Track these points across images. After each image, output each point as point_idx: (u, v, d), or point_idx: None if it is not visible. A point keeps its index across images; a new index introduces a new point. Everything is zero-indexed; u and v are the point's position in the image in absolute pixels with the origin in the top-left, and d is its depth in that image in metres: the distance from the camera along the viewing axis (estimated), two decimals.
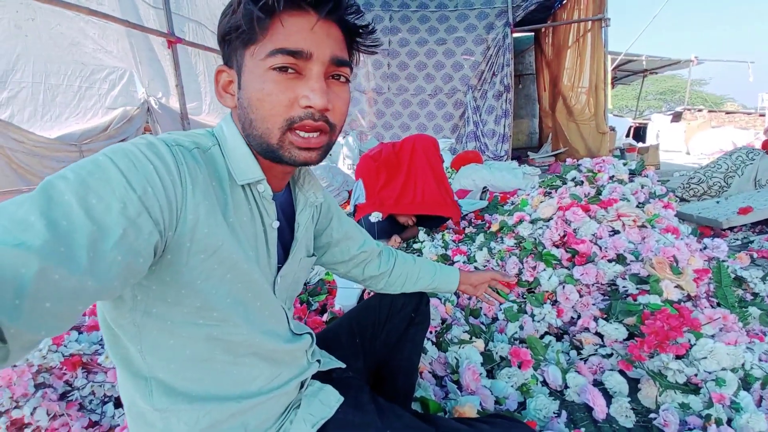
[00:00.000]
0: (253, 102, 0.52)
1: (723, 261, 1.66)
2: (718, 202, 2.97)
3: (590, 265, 1.53)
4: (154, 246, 0.44)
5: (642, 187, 2.20)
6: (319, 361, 0.75)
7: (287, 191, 0.69)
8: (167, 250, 0.47)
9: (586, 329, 1.38)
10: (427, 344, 1.30)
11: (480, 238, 2.19)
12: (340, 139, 4.83)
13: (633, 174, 2.35)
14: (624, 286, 1.46)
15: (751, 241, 2.37)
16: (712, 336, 1.22)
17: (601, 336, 1.34)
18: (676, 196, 3.43)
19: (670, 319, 1.19)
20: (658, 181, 2.37)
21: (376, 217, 2.39)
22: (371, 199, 2.65)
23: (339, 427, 0.67)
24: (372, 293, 1.61)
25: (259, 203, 0.59)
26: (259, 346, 0.60)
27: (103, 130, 3.55)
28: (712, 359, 1.08)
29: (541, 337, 1.41)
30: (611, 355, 1.29)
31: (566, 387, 1.18)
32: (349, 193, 3.87)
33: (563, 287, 1.49)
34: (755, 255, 2.08)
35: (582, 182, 2.19)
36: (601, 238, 1.66)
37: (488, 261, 1.90)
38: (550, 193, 2.20)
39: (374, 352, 0.95)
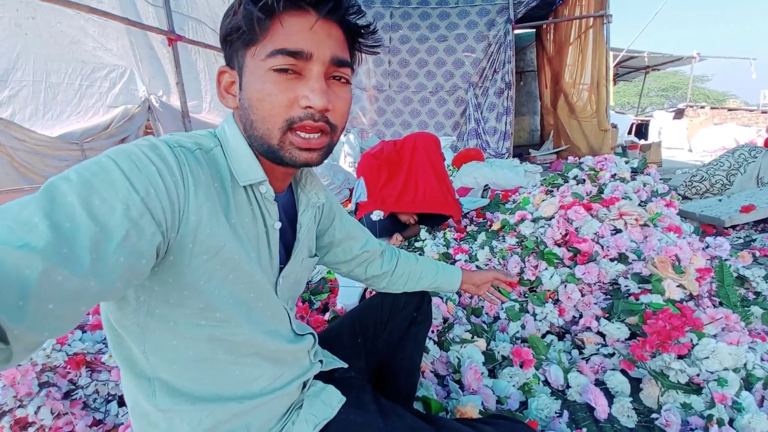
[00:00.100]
0: (254, 102, 0.52)
1: (725, 260, 1.65)
2: (720, 200, 2.96)
3: (592, 264, 1.53)
4: (157, 247, 0.44)
5: (644, 186, 2.19)
6: (321, 361, 0.75)
7: (289, 191, 0.69)
8: (170, 252, 0.47)
9: (588, 328, 1.38)
10: (429, 343, 1.30)
11: (482, 237, 2.18)
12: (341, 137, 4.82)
13: (635, 172, 2.34)
14: (626, 286, 1.46)
15: (754, 240, 2.36)
16: (714, 336, 1.22)
17: (602, 335, 1.34)
18: (679, 194, 3.42)
19: (672, 319, 1.19)
20: (660, 179, 2.36)
21: (377, 215, 2.39)
22: (373, 198, 2.65)
23: (341, 428, 0.67)
24: (374, 292, 1.62)
25: (261, 204, 0.59)
26: (261, 346, 0.60)
27: (105, 129, 3.55)
28: (714, 359, 1.08)
29: (543, 336, 1.41)
30: (613, 354, 1.29)
31: (568, 386, 1.18)
32: (351, 191, 3.87)
33: (565, 286, 1.49)
34: (758, 254, 2.08)
35: (584, 180, 2.18)
36: (603, 237, 1.66)
37: (490, 260, 1.90)
38: (552, 191, 2.20)
39: (376, 351, 0.95)
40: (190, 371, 0.56)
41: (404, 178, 2.67)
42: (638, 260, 1.53)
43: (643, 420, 1.06)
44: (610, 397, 1.14)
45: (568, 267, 1.61)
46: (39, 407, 0.87)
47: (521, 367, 1.22)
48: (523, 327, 1.43)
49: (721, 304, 1.42)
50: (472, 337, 1.36)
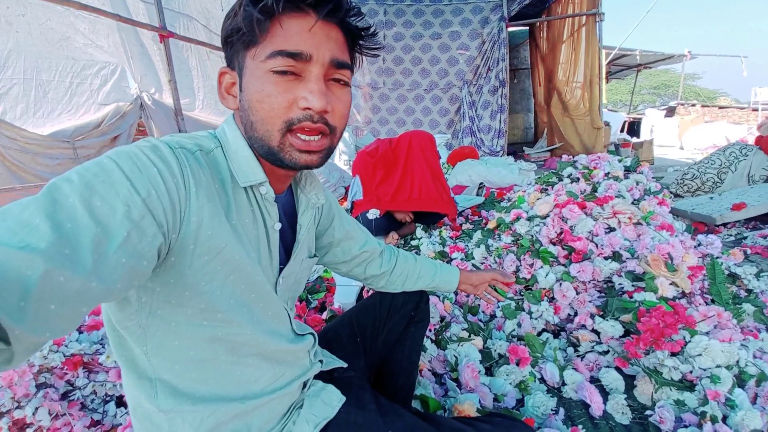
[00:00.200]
0: (253, 104, 0.52)
1: (717, 258, 1.68)
2: (711, 198, 3.01)
3: (587, 263, 1.55)
4: (158, 248, 0.44)
5: (637, 184, 2.22)
6: (321, 361, 0.76)
7: (289, 192, 0.69)
8: (171, 253, 0.47)
9: (583, 326, 1.40)
10: (427, 342, 1.31)
11: (477, 235, 2.20)
12: None
13: (628, 170, 2.37)
14: (620, 284, 1.48)
15: (745, 237, 2.41)
16: (707, 333, 1.24)
17: (597, 333, 1.36)
18: (670, 192, 3.46)
19: (665, 317, 1.21)
20: (652, 177, 2.39)
21: (373, 213, 2.39)
22: (368, 196, 2.65)
23: (341, 427, 0.68)
24: (371, 291, 1.62)
25: (262, 205, 0.59)
26: (262, 346, 0.60)
27: (96, 127, 3.50)
28: (706, 356, 1.10)
29: (539, 334, 1.43)
30: (607, 352, 1.31)
31: (563, 384, 1.20)
32: (346, 189, 3.86)
33: (560, 284, 1.51)
34: (749, 251, 2.12)
35: (578, 179, 2.20)
36: (597, 236, 1.68)
37: (486, 258, 1.91)
38: (547, 189, 2.21)
39: (375, 350, 0.95)
40: (192, 372, 0.56)
41: (400, 176, 2.68)
42: (632, 258, 1.55)
43: (637, 417, 1.08)
44: (604, 394, 1.16)
45: (563, 265, 1.63)
46: (37, 408, 0.87)
47: (517, 365, 1.24)
48: (519, 325, 1.45)
49: (713, 301, 1.45)
50: (469, 336, 1.37)
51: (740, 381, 1.10)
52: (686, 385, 1.10)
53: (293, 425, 0.66)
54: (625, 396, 1.12)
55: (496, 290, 1.09)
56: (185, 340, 0.54)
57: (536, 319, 1.46)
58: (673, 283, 1.41)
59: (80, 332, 1.18)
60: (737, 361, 1.11)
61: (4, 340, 0.31)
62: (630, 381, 1.20)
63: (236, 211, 0.55)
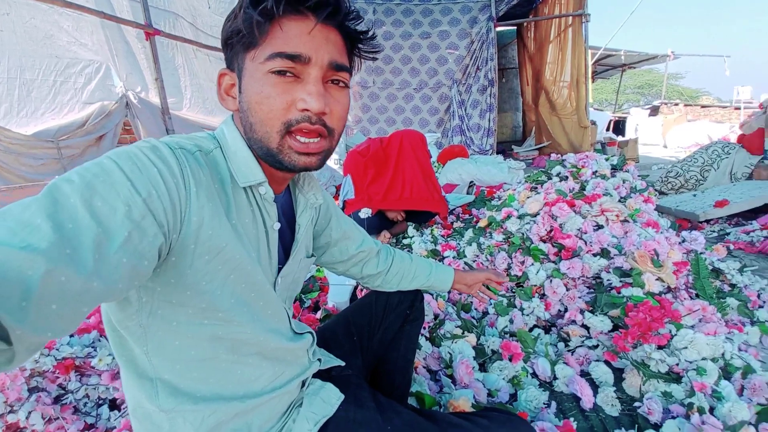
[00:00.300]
0: (252, 105, 0.53)
1: (701, 253, 1.73)
2: (695, 196, 3.09)
3: (576, 259, 1.58)
4: (159, 248, 0.44)
5: (623, 182, 2.26)
6: (320, 360, 0.76)
7: (287, 192, 0.70)
8: (172, 253, 0.47)
9: (573, 322, 1.43)
10: (421, 340, 1.32)
11: (469, 234, 2.22)
12: None
13: (615, 169, 2.41)
14: (608, 279, 1.51)
15: (728, 234, 2.48)
16: (692, 327, 1.28)
17: (587, 328, 1.39)
18: (655, 190, 3.54)
19: (652, 311, 1.24)
20: (638, 176, 2.44)
21: (365, 213, 2.40)
22: (360, 195, 2.66)
23: (340, 425, 0.68)
24: (364, 290, 1.63)
25: (261, 205, 0.59)
26: (262, 345, 0.61)
27: (81, 126, 3.43)
28: (692, 349, 1.13)
29: (530, 330, 1.45)
30: (597, 346, 1.34)
31: (555, 378, 1.22)
32: (337, 188, 3.86)
33: (551, 281, 1.54)
34: (732, 247, 2.18)
35: (566, 177, 2.24)
36: (586, 233, 1.71)
37: (477, 256, 1.93)
38: (536, 188, 2.25)
39: (371, 349, 0.96)
40: (193, 371, 0.56)
41: (391, 175, 2.69)
42: (619, 255, 1.58)
43: (626, 408, 1.11)
44: (594, 387, 1.18)
45: (554, 262, 1.66)
46: (30, 412, 0.86)
47: (510, 360, 1.26)
48: (511, 321, 1.47)
49: (697, 296, 1.49)
50: (463, 333, 1.39)
51: (726, 373, 1.13)
52: (673, 377, 1.13)
53: (293, 423, 0.67)
54: (615, 389, 1.15)
55: (489, 289, 1.11)
56: (186, 340, 0.54)
57: (528, 315, 1.49)
58: (659, 279, 1.45)
59: (71, 335, 1.17)
60: (722, 354, 1.15)
61: (5, 340, 0.31)
62: (619, 374, 1.23)
63: (236, 211, 0.55)
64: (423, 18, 6.35)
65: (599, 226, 1.76)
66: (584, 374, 1.25)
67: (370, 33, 0.60)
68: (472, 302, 1.61)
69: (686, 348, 1.15)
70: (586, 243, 1.66)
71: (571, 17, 5.89)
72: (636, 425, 1.02)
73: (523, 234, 1.84)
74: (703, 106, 11.89)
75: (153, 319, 0.52)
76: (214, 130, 0.61)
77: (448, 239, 2.43)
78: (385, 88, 6.61)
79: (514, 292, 1.60)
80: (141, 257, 0.41)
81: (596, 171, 2.22)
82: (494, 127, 6.23)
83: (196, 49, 4.86)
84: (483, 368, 1.28)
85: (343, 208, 2.71)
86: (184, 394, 0.56)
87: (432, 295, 1.61)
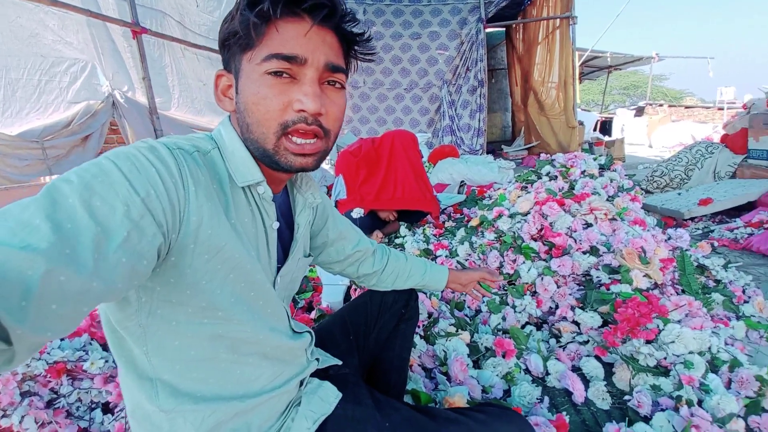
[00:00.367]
0: (249, 106, 0.53)
1: (686, 250, 1.77)
2: (679, 194, 3.16)
3: (566, 257, 1.61)
4: (158, 248, 0.44)
5: (611, 182, 2.31)
6: (318, 359, 0.77)
7: (285, 193, 0.70)
8: (171, 252, 0.48)
9: (564, 318, 1.46)
10: (416, 338, 1.33)
11: (461, 233, 2.24)
12: None
13: (602, 168, 2.46)
14: (597, 276, 1.54)
15: (712, 231, 2.54)
16: (679, 321, 1.32)
17: (577, 324, 1.42)
18: (642, 189, 3.61)
19: (640, 307, 1.27)
20: (625, 175, 2.49)
21: (357, 213, 2.40)
22: (352, 195, 2.66)
23: (339, 423, 0.69)
24: (358, 290, 1.64)
25: (260, 204, 0.59)
26: (263, 343, 0.61)
27: (66, 126, 3.37)
28: (679, 343, 1.16)
29: (522, 327, 1.47)
30: (587, 341, 1.36)
31: (547, 374, 1.25)
32: (329, 188, 3.85)
33: (542, 279, 1.56)
34: (716, 243, 2.24)
35: (556, 177, 2.27)
36: (575, 231, 1.74)
37: (470, 255, 1.95)
38: (527, 187, 2.28)
39: (367, 348, 0.97)
40: (193, 371, 0.56)
41: (383, 175, 2.70)
42: (608, 252, 1.62)
43: (616, 402, 1.14)
44: (585, 381, 1.21)
45: (544, 260, 1.68)
46: (23, 416, 0.84)
47: (503, 357, 1.28)
48: (503, 319, 1.49)
49: (683, 291, 1.53)
50: (457, 331, 1.40)
51: (713, 367, 1.16)
52: (661, 370, 1.16)
53: (292, 422, 0.67)
54: (605, 383, 1.18)
55: (482, 287, 1.12)
56: (186, 339, 0.54)
57: (520, 312, 1.51)
58: (646, 275, 1.49)
59: (62, 339, 1.15)
60: (709, 348, 1.18)
61: (5, 341, 0.31)
62: (609, 368, 1.25)
63: (235, 211, 0.55)
64: (413, 19, 6.38)
65: (588, 225, 1.80)
66: (575, 369, 1.27)
67: (366, 35, 0.61)
68: (465, 300, 1.62)
69: (673, 342, 1.18)
70: (575, 241, 1.70)
71: (558, 19, 5.97)
72: (626, 418, 1.05)
73: (514, 233, 1.86)
74: (686, 107, 12.15)
75: (152, 318, 0.52)
76: (211, 131, 0.61)
77: (440, 238, 2.44)
78: (376, 88, 6.61)
79: (506, 290, 1.62)
80: (140, 257, 0.42)
81: (585, 170, 2.26)
82: (484, 127, 6.29)
83: (183, 48, 4.80)
84: (477, 365, 1.29)
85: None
86: (185, 395, 0.56)
87: (426, 293, 1.62)
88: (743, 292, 1.61)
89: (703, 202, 2.72)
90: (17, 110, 2.94)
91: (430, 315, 1.51)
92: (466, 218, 2.80)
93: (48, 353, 1.01)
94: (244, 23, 0.51)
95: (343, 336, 0.94)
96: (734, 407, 0.99)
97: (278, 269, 0.66)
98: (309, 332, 0.75)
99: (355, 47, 0.60)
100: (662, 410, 1.04)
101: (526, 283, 1.60)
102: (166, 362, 0.55)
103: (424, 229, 2.63)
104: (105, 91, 3.81)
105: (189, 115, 4.92)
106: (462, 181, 3.86)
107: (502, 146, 7.41)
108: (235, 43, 0.53)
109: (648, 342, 1.22)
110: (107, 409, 1.07)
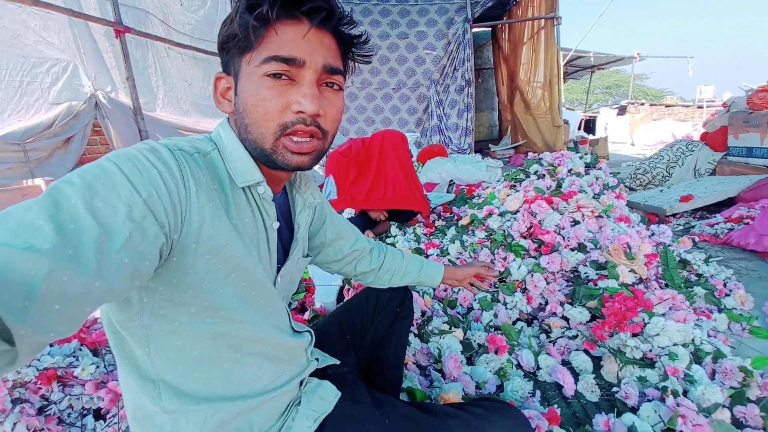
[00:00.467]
0: (248, 107, 0.54)
1: (669, 246, 1.83)
2: (661, 191, 3.24)
3: (555, 254, 1.64)
4: (160, 248, 0.45)
5: (597, 179, 2.36)
6: (317, 359, 0.78)
7: (283, 193, 0.71)
8: (173, 253, 0.48)
9: (554, 314, 1.49)
10: (410, 336, 1.35)
11: (452, 231, 2.27)
12: None
13: (588, 167, 2.51)
14: (585, 272, 1.58)
15: (693, 226, 2.62)
16: (663, 315, 1.36)
17: (566, 319, 1.45)
18: (626, 186, 3.69)
19: (626, 301, 1.31)
20: (610, 173, 2.55)
21: (348, 213, 2.41)
22: (342, 195, 2.67)
23: (339, 421, 0.70)
24: (350, 290, 1.64)
25: (260, 205, 0.60)
26: (265, 342, 0.62)
27: (48, 128, 3.29)
28: (664, 336, 1.20)
29: (514, 323, 1.50)
30: (576, 336, 1.40)
31: (538, 368, 1.27)
32: (319, 188, 3.84)
33: (532, 276, 1.60)
34: (697, 239, 2.31)
35: (543, 175, 2.32)
36: (563, 229, 1.78)
37: (461, 253, 1.98)
38: (515, 186, 2.31)
39: (364, 347, 0.98)
40: (195, 372, 0.57)
41: (373, 175, 2.71)
42: (595, 249, 1.66)
43: (605, 394, 1.17)
44: (575, 375, 1.24)
45: (534, 257, 1.72)
46: (15, 423, 0.83)
47: (496, 353, 1.30)
48: (495, 316, 1.52)
49: (667, 285, 1.58)
50: (450, 328, 1.42)
51: (697, 358, 1.21)
52: (647, 362, 1.20)
53: (292, 422, 0.68)
54: (594, 375, 1.21)
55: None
56: (188, 339, 0.54)
57: (511, 309, 1.54)
58: (632, 270, 1.53)
59: (51, 345, 1.13)
60: (692, 340, 1.22)
61: (8, 341, 0.31)
62: (597, 362, 1.29)
63: (236, 211, 0.56)
64: (400, 18, 6.39)
65: (576, 222, 1.83)
66: (565, 363, 1.30)
67: (363, 37, 0.62)
68: (456, 299, 1.65)
69: (658, 335, 1.22)
70: (564, 238, 1.73)
71: (543, 20, 6.06)
72: (615, 409, 1.08)
73: (504, 231, 1.89)
74: (667, 106, 12.46)
75: (155, 319, 0.52)
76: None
77: (431, 237, 2.47)
78: (364, 88, 6.61)
79: (497, 288, 1.65)
80: (142, 257, 0.42)
81: (571, 169, 2.31)
82: (472, 126, 6.34)
83: (168, 48, 4.72)
84: (470, 362, 1.31)
85: None
86: (187, 395, 0.56)
87: (419, 292, 1.64)
88: (724, 285, 1.66)
89: (685, 198, 2.79)
90: None
91: (423, 313, 1.53)
92: (455, 217, 2.83)
93: (38, 359, 1.00)
94: (244, 26, 0.51)
95: (340, 336, 0.95)
96: (719, 397, 1.02)
97: (278, 269, 0.66)
98: (309, 332, 0.76)
99: (353, 49, 0.62)
100: (649, 401, 1.08)
101: (517, 280, 1.63)
102: (168, 363, 0.55)
103: (414, 229, 2.65)
104: (87, 92, 3.73)
105: (174, 115, 4.84)
106: (451, 180, 3.89)
107: (490, 145, 7.49)
108: (234, 45, 0.54)
109: (634, 335, 1.26)
110: (99, 415, 1.06)
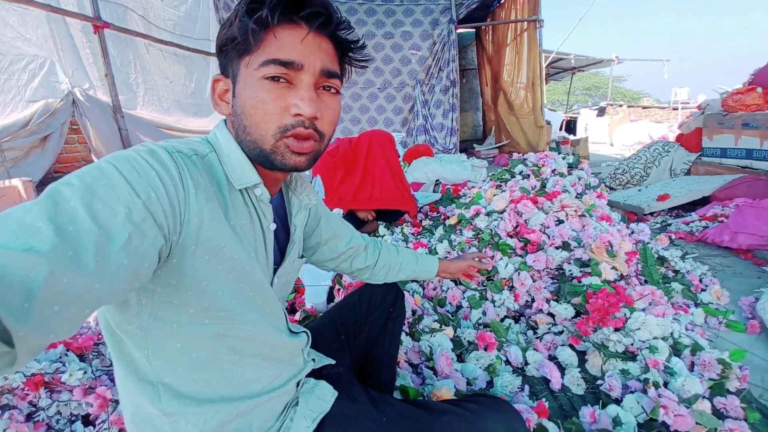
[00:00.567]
0: (247, 109, 0.54)
1: (647, 243, 1.90)
2: (639, 191, 3.35)
3: (540, 253, 1.68)
4: (159, 250, 0.45)
5: (579, 179, 2.43)
6: (314, 359, 0.79)
7: (279, 195, 0.72)
8: (172, 254, 0.48)
9: (540, 310, 1.53)
10: (402, 335, 1.36)
11: (440, 231, 2.30)
12: None
13: (571, 167, 2.58)
14: (570, 270, 1.62)
15: (669, 224, 2.71)
16: (643, 310, 1.41)
17: (552, 316, 1.50)
18: (606, 186, 3.80)
19: (608, 297, 1.36)
20: (592, 173, 2.62)
21: (336, 213, 2.41)
22: (330, 196, 2.67)
23: (336, 420, 0.71)
24: (341, 291, 1.65)
25: (257, 206, 0.61)
26: (263, 342, 0.62)
27: (24, 126, 3.19)
28: (644, 330, 1.25)
29: (502, 320, 1.54)
30: (562, 332, 1.44)
31: (526, 364, 1.31)
32: None
33: (518, 274, 1.63)
34: (673, 236, 2.40)
35: (528, 176, 2.37)
36: (548, 228, 1.83)
37: (449, 252, 2.01)
38: (501, 185, 2.36)
39: (358, 347, 0.99)
40: (194, 373, 0.57)
41: (361, 175, 2.72)
42: (578, 247, 1.71)
43: (590, 387, 1.21)
44: (561, 369, 1.28)
45: (520, 256, 1.76)
46: (4, 430, 0.81)
47: (485, 350, 1.33)
48: (484, 313, 1.55)
49: (646, 281, 1.64)
50: (440, 327, 1.45)
51: (676, 351, 1.26)
52: (629, 356, 1.25)
53: (291, 422, 0.68)
54: (579, 369, 1.25)
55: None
56: (187, 341, 0.55)
57: (499, 306, 1.57)
58: (613, 268, 1.58)
59: None
60: (671, 333, 1.28)
61: (7, 343, 0.31)
62: (582, 356, 1.33)
63: (234, 212, 0.56)
64: (386, 18, 6.41)
65: (560, 221, 1.89)
66: (552, 358, 1.34)
67: (360, 42, 0.63)
68: (446, 297, 1.67)
69: (639, 329, 1.27)
70: (549, 237, 1.78)
71: (526, 22, 6.17)
72: (600, 401, 1.12)
73: (491, 230, 1.93)
74: (644, 107, 12.82)
75: (154, 321, 0.52)
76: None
77: (419, 237, 2.49)
78: (350, 88, 6.60)
79: (485, 286, 1.68)
80: (142, 259, 0.42)
81: (555, 169, 2.36)
82: (457, 126, 6.41)
83: (148, 44, 4.62)
84: (461, 359, 1.34)
85: None
86: (187, 397, 0.57)
87: (409, 291, 1.66)
88: (700, 281, 1.74)
89: (661, 198, 2.90)
90: None
91: (414, 312, 1.55)
92: (442, 216, 2.87)
93: (25, 365, 0.97)
94: (243, 29, 0.52)
95: (335, 336, 0.96)
96: (698, 388, 1.07)
97: (275, 270, 0.67)
98: (305, 332, 0.77)
99: (350, 54, 0.63)
100: (632, 392, 1.12)
101: (504, 279, 1.67)
102: (167, 365, 0.55)
103: (402, 228, 2.67)
104: (64, 89, 3.62)
105: (155, 113, 4.74)
106: (437, 180, 3.93)
107: (474, 145, 7.58)
108: (233, 48, 0.54)
109: (616, 330, 1.30)
110: (87, 421, 1.04)
